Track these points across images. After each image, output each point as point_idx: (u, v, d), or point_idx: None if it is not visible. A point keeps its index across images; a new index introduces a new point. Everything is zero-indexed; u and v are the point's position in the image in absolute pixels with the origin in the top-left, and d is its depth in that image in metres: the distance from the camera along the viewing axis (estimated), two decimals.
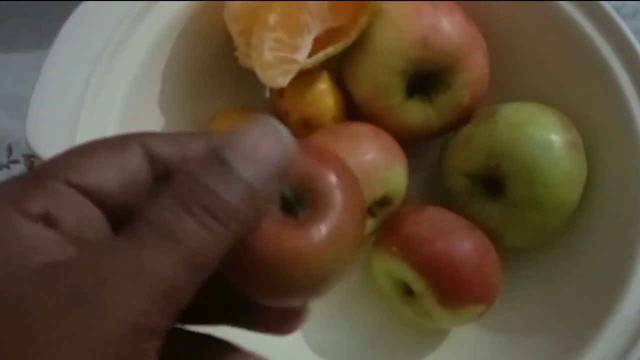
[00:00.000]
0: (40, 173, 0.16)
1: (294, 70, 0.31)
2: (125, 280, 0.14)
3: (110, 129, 0.30)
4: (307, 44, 0.31)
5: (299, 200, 0.18)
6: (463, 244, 0.31)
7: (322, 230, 0.17)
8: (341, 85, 0.36)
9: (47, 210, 0.15)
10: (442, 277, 0.31)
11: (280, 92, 0.35)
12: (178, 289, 0.14)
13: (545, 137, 0.31)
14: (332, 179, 0.18)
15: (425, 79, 0.34)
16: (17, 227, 0.15)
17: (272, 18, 0.29)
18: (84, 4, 0.30)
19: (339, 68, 0.36)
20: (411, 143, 0.36)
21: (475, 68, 0.34)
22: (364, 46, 0.34)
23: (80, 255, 0.15)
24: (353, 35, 0.33)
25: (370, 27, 0.34)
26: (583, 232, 0.33)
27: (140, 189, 0.16)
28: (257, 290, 0.18)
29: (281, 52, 0.30)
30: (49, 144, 0.29)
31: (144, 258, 0.14)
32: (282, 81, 0.31)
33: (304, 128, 0.35)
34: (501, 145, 0.32)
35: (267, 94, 0.39)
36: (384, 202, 0.33)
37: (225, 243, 0.15)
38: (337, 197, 0.18)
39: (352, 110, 0.36)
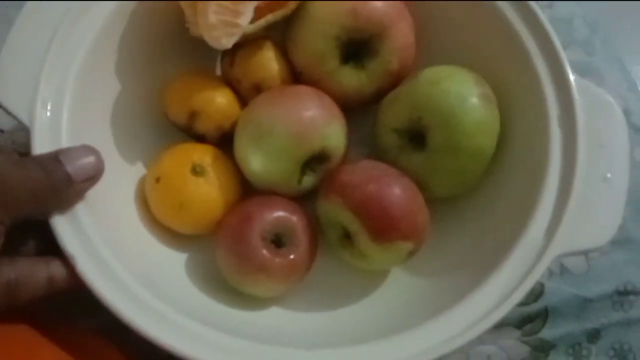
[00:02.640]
0: None
1: (237, 33, 0.35)
2: None
3: (71, 86, 0.33)
4: (248, 11, 0.35)
5: (281, 239, 0.35)
6: (392, 186, 0.35)
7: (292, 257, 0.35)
8: (284, 54, 0.40)
9: None
10: (373, 216, 0.34)
11: (230, 62, 0.39)
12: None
13: (459, 90, 0.35)
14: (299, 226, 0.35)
15: (357, 47, 0.38)
16: None
17: None
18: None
19: (282, 39, 0.40)
20: (349, 110, 0.39)
21: (401, 36, 0.39)
22: (301, 17, 0.38)
23: None
24: (291, 5, 0.37)
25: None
26: (500, 179, 0.37)
27: None
28: None
29: (225, 16, 0.34)
30: (14, 96, 0.32)
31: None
32: (227, 42, 0.35)
33: (255, 92, 0.38)
34: (422, 100, 0.36)
35: (218, 65, 0.42)
36: (322, 157, 0.37)
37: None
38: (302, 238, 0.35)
39: (295, 78, 0.40)
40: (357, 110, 0.40)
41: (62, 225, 0.30)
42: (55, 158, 0.29)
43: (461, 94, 0.35)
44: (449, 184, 0.37)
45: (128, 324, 0.28)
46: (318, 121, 0.36)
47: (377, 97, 0.40)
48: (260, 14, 0.36)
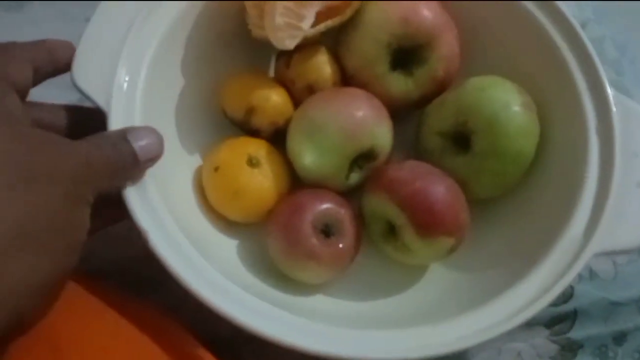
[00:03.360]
0: None
1: (299, 36, 0.37)
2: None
3: (143, 76, 0.36)
4: (310, 15, 0.37)
5: (330, 229, 0.37)
6: (437, 184, 0.37)
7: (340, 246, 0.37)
8: (336, 58, 0.42)
9: None
10: (419, 211, 0.36)
11: (286, 64, 0.41)
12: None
13: (504, 97, 0.38)
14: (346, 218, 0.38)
15: (406, 55, 0.41)
16: None
17: None
18: None
19: (334, 44, 0.42)
20: (395, 114, 0.42)
21: (448, 46, 0.41)
22: (356, 24, 0.40)
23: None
24: (348, 13, 0.40)
25: (362, 7, 0.40)
26: (538, 183, 0.39)
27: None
28: None
29: (289, 19, 0.36)
30: (93, 83, 0.34)
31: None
32: (290, 44, 0.37)
33: (308, 93, 0.41)
34: (468, 105, 0.38)
35: (273, 67, 0.45)
36: (370, 155, 0.39)
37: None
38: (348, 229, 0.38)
39: (345, 81, 0.42)
40: (401, 114, 0.43)
41: (135, 201, 0.32)
42: (123, 137, 0.31)
43: (505, 101, 0.38)
44: (490, 185, 0.39)
45: (196, 296, 0.30)
46: (368, 121, 0.38)
47: (422, 102, 0.42)
48: (320, 19, 0.39)
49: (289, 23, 0.37)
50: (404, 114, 0.43)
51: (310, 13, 0.37)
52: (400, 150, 0.42)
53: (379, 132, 0.39)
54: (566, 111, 0.39)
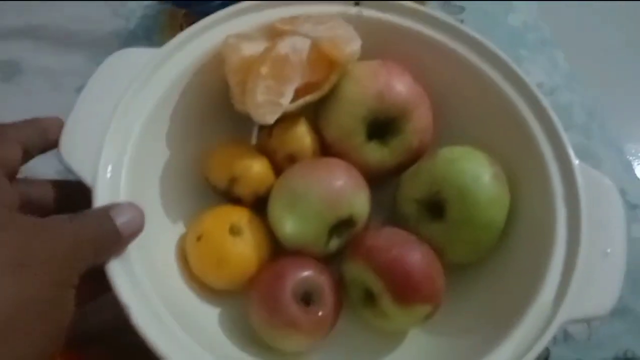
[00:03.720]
0: None
1: (279, 111, 0.39)
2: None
3: (129, 152, 0.37)
4: (290, 92, 0.39)
5: (310, 297, 0.38)
6: (413, 252, 0.38)
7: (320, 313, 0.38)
8: (316, 129, 0.44)
9: None
10: (396, 278, 0.37)
11: (269, 134, 0.43)
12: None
13: (474, 169, 0.40)
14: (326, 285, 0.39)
15: (382, 126, 0.43)
16: None
17: (264, 69, 0.38)
18: (116, 53, 0.39)
19: (314, 116, 0.44)
20: (372, 181, 0.43)
21: (421, 119, 0.43)
22: (334, 98, 0.43)
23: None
24: (326, 88, 0.42)
25: (339, 83, 0.43)
26: (509, 247, 0.41)
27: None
28: None
29: (270, 96, 0.38)
30: (79, 159, 0.36)
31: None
32: (270, 119, 0.39)
33: (289, 162, 0.42)
34: (440, 176, 0.40)
35: (255, 137, 0.47)
36: (349, 222, 0.40)
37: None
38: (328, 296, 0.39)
39: (324, 149, 0.44)
40: (378, 181, 0.44)
41: (118, 275, 0.33)
42: (106, 214, 0.32)
43: (476, 173, 0.40)
44: (464, 252, 0.41)
45: None
46: (347, 190, 0.40)
47: (398, 170, 0.44)
48: (299, 95, 0.41)
49: (270, 100, 0.39)
50: (381, 180, 0.45)
51: (289, 90, 0.39)
52: (378, 214, 0.44)
53: (357, 200, 0.40)
54: (534, 181, 0.41)
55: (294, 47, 0.39)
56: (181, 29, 0.53)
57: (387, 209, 0.45)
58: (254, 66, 0.39)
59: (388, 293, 0.37)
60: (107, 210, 0.33)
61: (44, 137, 0.34)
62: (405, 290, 0.37)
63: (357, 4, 0.45)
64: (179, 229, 0.43)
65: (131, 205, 0.34)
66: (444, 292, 0.39)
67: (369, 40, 0.43)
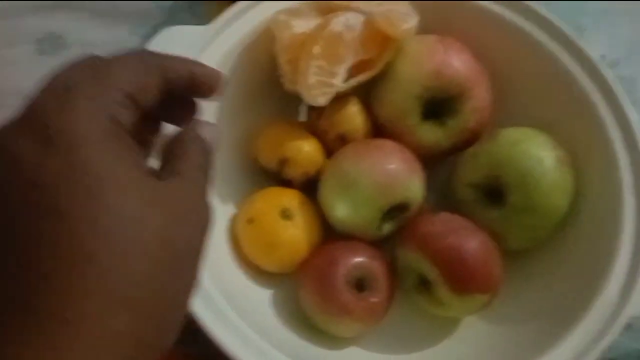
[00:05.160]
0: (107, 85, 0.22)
1: (331, 92, 0.38)
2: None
3: None
4: (342, 72, 0.38)
5: (363, 283, 0.38)
6: (470, 240, 0.37)
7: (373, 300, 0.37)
8: (368, 108, 0.43)
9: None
10: (452, 267, 0.36)
11: (319, 114, 0.42)
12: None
13: (537, 152, 0.38)
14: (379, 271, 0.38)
15: (438, 105, 0.41)
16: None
17: (316, 49, 0.36)
18: (165, 30, 0.38)
19: (365, 95, 0.42)
20: (426, 162, 0.42)
21: (480, 98, 0.41)
22: (388, 76, 0.41)
23: None
24: (379, 66, 0.40)
25: (393, 60, 0.41)
26: (570, 237, 0.39)
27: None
28: None
29: (322, 77, 0.37)
30: None
31: None
32: (322, 100, 0.38)
33: (340, 142, 0.41)
34: (501, 159, 0.38)
35: (304, 115, 0.45)
36: (402, 207, 0.39)
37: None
38: (381, 282, 0.38)
39: (377, 129, 0.43)
40: (432, 162, 0.43)
41: None
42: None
43: (539, 156, 0.38)
44: (522, 238, 0.39)
45: (229, 355, 0.31)
46: (400, 174, 0.39)
47: (453, 151, 0.43)
48: (351, 73, 0.39)
49: (322, 81, 0.37)
50: (435, 161, 0.43)
51: (342, 70, 0.38)
52: (432, 197, 0.43)
53: (411, 184, 0.39)
54: (600, 167, 0.38)
55: (348, 23, 0.37)
56: None
57: (441, 192, 0.44)
58: (305, 45, 0.37)
59: (444, 281, 0.36)
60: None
61: (191, 78, 0.26)
62: (462, 279, 0.36)
63: None
64: (229, 209, 0.42)
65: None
66: (501, 281, 0.38)
67: (426, 15, 0.41)
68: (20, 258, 0.19)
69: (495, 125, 0.42)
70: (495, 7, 0.42)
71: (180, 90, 0.26)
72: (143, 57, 0.24)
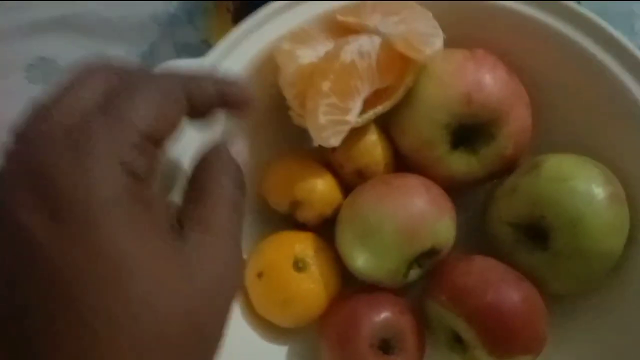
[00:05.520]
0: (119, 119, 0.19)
1: (345, 130, 0.33)
2: None
3: None
4: (357, 106, 0.33)
5: (389, 343, 0.34)
6: (511, 295, 0.32)
7: None
8: (388, 137, 0.37)
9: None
10: (491, 328, 0.32)
11: (332, 147, 0.37)
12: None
13: (587, 191, 0.32)
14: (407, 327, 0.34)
15: (470, 131, 0.36)
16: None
17: (326, 85, 0.31)
18: (159, 67, 0.33)
19: (385, 121, 0.37)
20: (457, 192, 0.37)
21: (518, 120, 0.36)
22: (410, 101, 0.35)
23: None
24: (400, 93, 0.35)
25: (416, 83, 0.35)
26: (626, 279, 0.34)
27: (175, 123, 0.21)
28: None
29: (334, 116, 0.32)
30: None
31: None
32: (335, 141, 0.33)
33: (358, 177, 0.37)
34: (545, 198, 0.33)
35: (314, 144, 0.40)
36: (432, 253, 0.35)
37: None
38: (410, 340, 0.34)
39: (399, 159, 0.38)
40: (464, 190, 0.38)
41: None
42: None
43: (590, 195, 0.32)
44: (571, 284, 0.34)
45: None
46: (428, 217, 0.34)
47: (488, 179, 0.37)
48: (368, 105, 0.34)
49: (334, 120, 0.32)
50: (467, 189, 0.38)
51: (356, 104, 0.33)
52: (464, 231, 0.37)
53: (441, 227, 0.34)
54: None
55: (361, 50, 0.32)
56: (227, 9, 0.47)
57: (474, 225, 0.39)
58: (314, 78, 0.32)
59: (482, 343, 0.32)
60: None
61: (219, 100, 0.23)
62: (503, 342, 0.32)
63: None
64: None
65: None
66: (547, 338, 0.33)
67: (453, 24, 0.35)
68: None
69: (537, 148, 0.37)
70: (535, 12, 0.36)
71: (207, 111, 0.23)
72: (161, 83, 0.20)
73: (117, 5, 0.48)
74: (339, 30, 0.35)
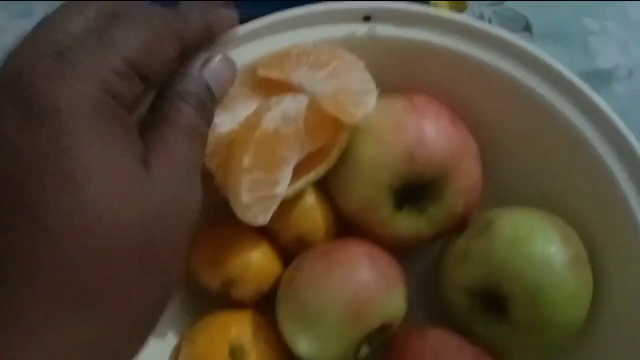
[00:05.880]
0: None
1: (275, 204, 0.29)
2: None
3: None
4: (287, 176, 0.29)
5: None
6: None
7: None
8: (328, 196, 0.34)
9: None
10: None
11: None
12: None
13: (546, 257, 0.29)
14: None
15: (415, 190, 0.32)
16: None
17: (247, 160, 0.27)
18: None
19: (322, 180, 0.34)
20: (404, 252, 0.34)
21: (468, 175, 0.33)
22: (348, 161, 0.32)
23: None
24: (334, 155, 0.31)
25: (353, 141, 0.32)
26: (593, 343, 0.31)
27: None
28: None
29: (260, 192, 0.28)
30: None
31: None
32: (264, 219, 0.29)
33: (298, 245, 0.33)
34: (500, 264, 0.30)
35: None
36: (382, 330, 0.31)
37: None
38: None
39: (341, 221, 0.34)
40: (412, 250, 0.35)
41: None
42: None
43: (548, 261, 0.29)
44: (533, 356, 0.31)
45: None
46: (375, 294, 0.30)
47: (436, 238, 0.34)
48: (300, 171, 0.30)
49: (261, 197, 0.28)
50: (414, 249, 0.35)
51: (285, 174, 0.29)
52: (416, 297, 0.34)
53: (390, 302, 0.31)
54: (627, 258, 0.30)
55: (286, 115, 0.28)
56: None
57: (425, 289, 0.35)
58: (234, 150, 0.28)
59: None
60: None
61: (208, 32, 0.25)
62: None
63: (367, 20, 0.33)
64: (166, 349, 0.34)
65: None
66: None
67: (388, 68, 0.32)
68: None
69: (489, 200, 0.34)
70: (480, 53, 0.33)
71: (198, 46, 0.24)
72: (153, 20, 0.21)
73: None
74: (262, 83, 0.31)
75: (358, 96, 0.29)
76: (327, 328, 0.30)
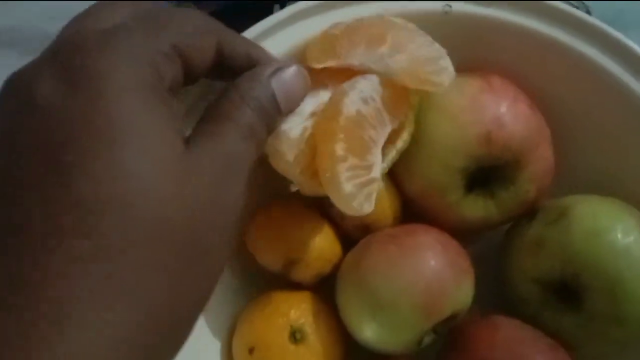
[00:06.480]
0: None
1: (376, 188, 0.27)
2: None
3: None
4: (378, 156, 0.27)
5: None
6: None
7: None
8: (393, 180, 0.32)
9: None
10: None
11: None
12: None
13: (627, 247, 0.28)
14: None
15: (486, 173, 0.31)
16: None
17: (339, 148, 0.25)
18: None
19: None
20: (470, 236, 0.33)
21: (542, 161, 0.31)
22: (419, 142, 0.30)
23: None
24: (411, 119, 0.29)
25: (426, 117, 0.30)
26: None
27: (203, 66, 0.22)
28: None
29: (360, 178, 0.26)
30: None
31: None
32: (369, 206, 0.26)
33: (363, 232, 0.32)
34: (579, 255, 0.29)
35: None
36: (450, 319, 0.30)
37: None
38: None
39: (405, 205, 0.33)
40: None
41: None
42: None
43: (629, 253, 0.28)
44: (606, 348, 0.30)
45: None
46: (448, 285, 0.29)
47: (503, 223, 0.33)
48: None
49: (361, 183, 0.26)
50: (478, 234, 0.34)
51: (377, 155, 0.27)
52: (480, 285, 0.33)
53: (460, 293, 0.30)
54: None
55: (364, 96, 0.26)
56: None
57: (490, 277, 0.34)
58: (320, 145, 0.26)
59: None
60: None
61: (246, 60, 0.23)
62: None
63: None
64: (223, 329, 0.33)
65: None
66: None
67: (463, 47, 0.30)
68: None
69: (556, 186, 0.33)
70: (558, 33, 0.31)
71: (232, 70, 0.22)
72: (205, 20, 0.22)
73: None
74: (316, 76, 0.28)
75: (434, 63, 0.27)
76: (399, 317, 0.29)
